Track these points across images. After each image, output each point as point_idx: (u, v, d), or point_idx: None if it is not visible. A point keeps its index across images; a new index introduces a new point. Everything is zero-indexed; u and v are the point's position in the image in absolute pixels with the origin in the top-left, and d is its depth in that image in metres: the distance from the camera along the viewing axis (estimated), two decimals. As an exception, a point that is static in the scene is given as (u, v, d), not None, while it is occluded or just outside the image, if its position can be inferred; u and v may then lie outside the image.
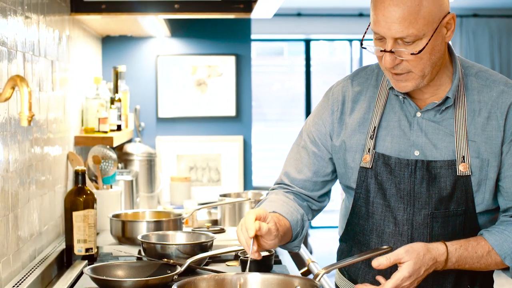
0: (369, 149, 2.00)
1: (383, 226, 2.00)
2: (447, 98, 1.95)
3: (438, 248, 1.88)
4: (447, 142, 1.95)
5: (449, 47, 1.98)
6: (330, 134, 2.09)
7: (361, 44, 1.92)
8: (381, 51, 1.86)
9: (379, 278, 1.89)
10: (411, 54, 1.83)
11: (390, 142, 1.99)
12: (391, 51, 1.84)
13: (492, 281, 2.11)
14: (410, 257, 1.85)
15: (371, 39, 1.92)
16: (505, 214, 1.98)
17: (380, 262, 1.86)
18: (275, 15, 8.25)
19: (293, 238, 2.07)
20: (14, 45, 2.38)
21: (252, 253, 1.86)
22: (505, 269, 1.98)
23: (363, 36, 1.91)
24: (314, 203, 2.16)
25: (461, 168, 1.93)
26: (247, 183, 4.62)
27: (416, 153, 1.97)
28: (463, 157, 1.92)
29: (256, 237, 1.88)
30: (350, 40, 9.24)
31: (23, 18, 2.51)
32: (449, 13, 1.87)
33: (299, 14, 8.64)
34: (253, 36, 8.38)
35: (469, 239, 1.93)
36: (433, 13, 1.82)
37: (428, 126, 1.96)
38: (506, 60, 8.95)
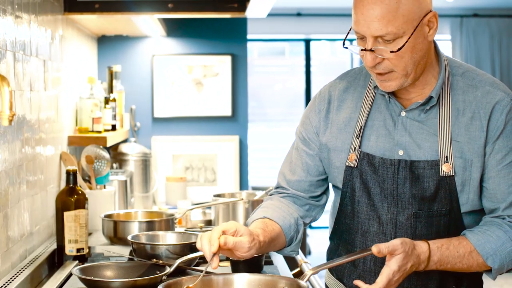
0: (355, 148, 2.00)
1: (367, 225, 2.00)
2: (430, 97, 1.94)
3: (421, 246, 1.87)
4: (431, 142, 1.94)
5: (436, 46, 1.98)
6: (316, 132, 2.10)
7: (343, 44, 1.92)
8: (362, 50, 1.87)
9: (357, 283, 1.84)
10: (391, 52, 1.83)
11: (375, 141, 1.99)
12: (371, 50, 1.84)
13: (481, 283, 2.09)
14: (403, 250, 1.83)
15: (355, 40, 1.92)
16: (490, 215, 1.97)
17: (380, 248, 1.82)
18: (275, 15, 8.27)
19: (288, 242, 2.07)
20: (3, 44, 2.37)
21: (213, 267, 1.83)
22: (488, 271, 1.95)
23: (345, 37, 1.92)
24: (313, 203, 2.16)
25: (444, 169, 1.92)
26: (243, 183, 4.61)
27: (400, 152, 1.96)
28: (447, 157, 1.91)
29: (225, 250, 1.87)
30: (351, 40, 9.23)
31: (13, 17, 2.51)
32: (431, 11, 1.87)
33: (299, 14, 8.63)
34: (252, 36, 8.41)
35: (451, 239, 1.91)
36: (413, 11, 1.82)
37: (412, 126, 1.96)
38: (507, 60, 8.93)
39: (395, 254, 1.82)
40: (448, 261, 1.89)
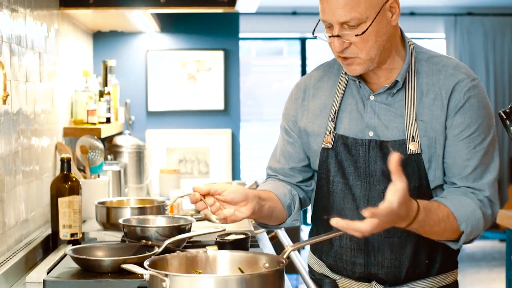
0: (330, 130, 2.13)
1: (342, 203, 2.11)
2: (396, 82, 2.07)
3: (413, 203, 1.85)
4: (397, 123, 2.06)
5: (401, 32, 2.11)
6: (294, 120, 2.22)
7: (313, 33, 2.05)
8: (330, 37, 2.01)
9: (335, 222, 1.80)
10: (356, 35, 1.97)
11: (348, 124, 2.12)
12: (338, 36, 1.98)
13: (456, 264, 2.18)
14: (405, 196, 1.77)
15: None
16: (450, 187, 2.06)
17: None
18: (270, 13, 8.32)
19: (287, 211, 2.18)
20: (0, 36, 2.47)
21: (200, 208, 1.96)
22: (452, 241, 2.02)
23: (315, 27, 2.05)
24: (303, 188, 2.26)
25: (411, 147, 2.03)
26: (235, 176, 4.72)
27: (371, 133, 2.08)
28: (413, 136, 2.03)
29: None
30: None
31: (9, 10, 2.60)
32: None
33: (294, 13, 8.72)
34: (248, 35, 8.50)
35: (431, 202, 1.97)
36: None
37: (380, 109, 2.09)
38: (500, 59, 9.01)
39: (398, 193, 1.75)
40: (429, 222, 1.91)
